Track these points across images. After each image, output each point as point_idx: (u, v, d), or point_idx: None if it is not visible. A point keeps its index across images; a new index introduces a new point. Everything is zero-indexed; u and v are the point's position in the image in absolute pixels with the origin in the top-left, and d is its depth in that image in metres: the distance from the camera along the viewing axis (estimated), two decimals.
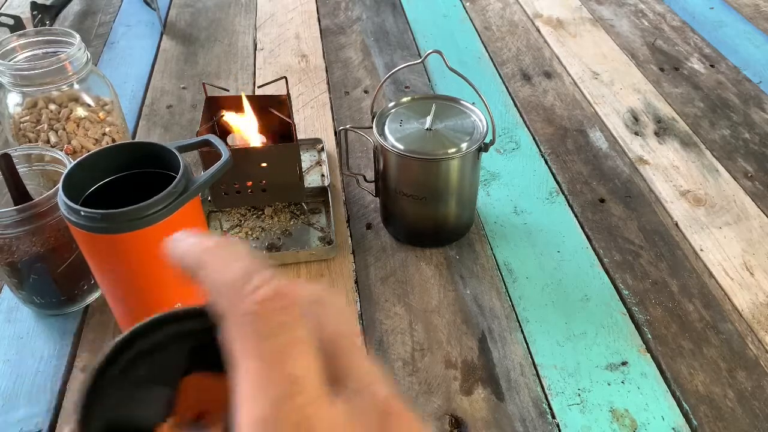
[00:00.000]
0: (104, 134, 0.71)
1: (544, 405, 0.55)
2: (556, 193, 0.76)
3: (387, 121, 0.65)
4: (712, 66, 1.01)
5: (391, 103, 0.67)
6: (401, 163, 0.63)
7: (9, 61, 0.66)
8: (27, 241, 0.55)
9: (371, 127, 0.64)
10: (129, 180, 0.47)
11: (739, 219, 0.73)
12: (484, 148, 0.63)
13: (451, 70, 0.61)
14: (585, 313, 0.62)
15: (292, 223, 0.71)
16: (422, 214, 0.66)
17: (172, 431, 0.21)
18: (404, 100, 0.67)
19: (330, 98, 0.95)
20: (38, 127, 0.68)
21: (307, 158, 0.81)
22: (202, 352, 0.23)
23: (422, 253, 0.68)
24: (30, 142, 0.68)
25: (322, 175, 0.78)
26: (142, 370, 0.23)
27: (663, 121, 0.89)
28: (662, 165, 0.81)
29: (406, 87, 0.96)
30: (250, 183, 0.67)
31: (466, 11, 1.18)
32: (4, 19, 1.00)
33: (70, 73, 0.65)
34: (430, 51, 0.61)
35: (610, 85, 0.97)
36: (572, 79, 0.98)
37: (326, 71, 1.01)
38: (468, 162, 0.63)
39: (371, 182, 0.70)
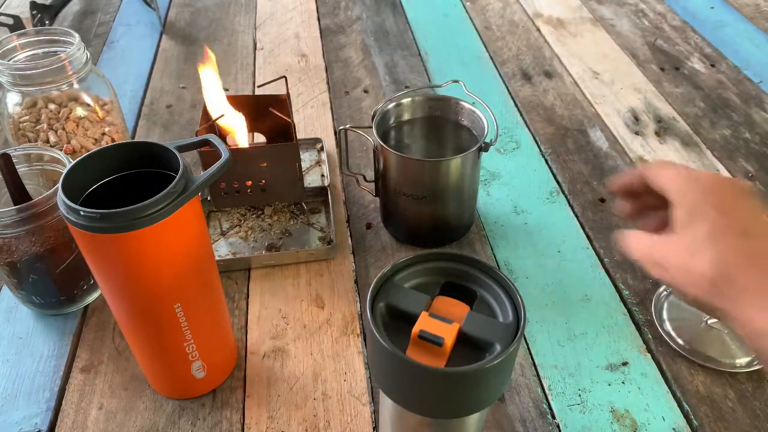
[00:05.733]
0: (104, 134, 0.70)
1: (544, 405, 0.54)
2: (556, 193, 0.76)
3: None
4: (712, 66, 1.01)
5: (392, 104, 0.67)
6: (401, 163, 0.63)
7: (8, 60, 0.66)
8: (26, 241, 0.55)
9: (371, 127, 0.64)
10: (128, 180, 0.47)
11: None
12: (484, 147, 0.63)
13: (469, 94, 0.62)
14: (585, 313, 0.62)
15: (291, 222, 0.71)
16: (422, 214, 0.66)
17: (427, 317, 0.35)
18: (404, 100, 0.67)
19: (330, 98, 0.94)
20: (38, 127, 0.68)
21: (307, 158, 0.81)
22: (451, 286, 0.38)
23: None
24: (29, 141, 0.68)
25: (322, 175, 0.78)
26: (411, 283, 0.38)
27: (663, 121, 0.89)
28: None
29: (407, 87, 0.96)
30: (249, 183, 0.66)
31: (466, 11, 1.18)
32: (3, 19, 1.00)
33: (70, 73, 0.65)
34: (450, 81, 0.60)
35: (611, 84, 0.96)
36: (573, 78, 0.98)
37: (326, 71, 1.01)
38: (468, 162, 0.63)
39: (371, 182, 0.70)
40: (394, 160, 0.63)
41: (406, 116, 0.69)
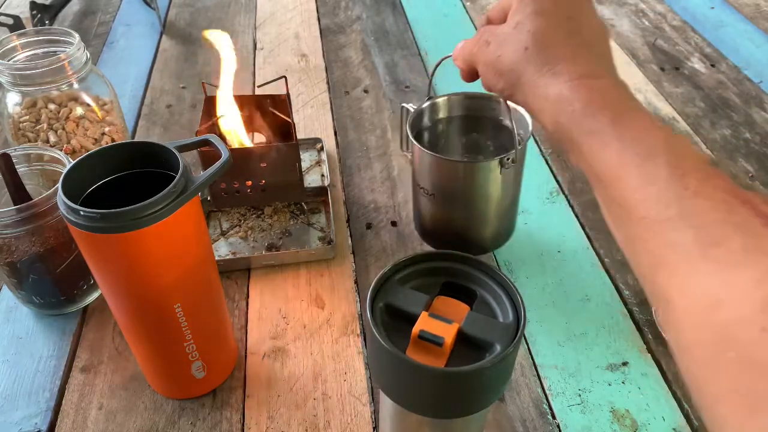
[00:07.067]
0: (103, 134, 0.70)
1: (544, 405, 0.54)
2: (556, 193, 0.76)
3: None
4: (712, 66, 1.01)
5: (427, 102, 0.65)
6: (432, 159, 0.60)
7: (8, 60, 0.66)
8: (26, 241, 0.55)
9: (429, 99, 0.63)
10: (128, 180, 0.47)
11: None
12: (503, 164, 0.58)
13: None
14: (586, 313, 0.62)
15: (292, 222, 0.71)
16: (435, 212, 0.64)
17: (427, 317, 0.35)
18: (439, 100, 0.65)
19: (330, 98, 0.94)
20: (37, 127, 0.68)
21: (307, 158, 0.81)
22: (450, 286, 0.38)
23: None
24: (29, 141, 0.68)
25: (322, 175, 0.78)
26: (411, 283, 0.38)
27: (664, 121, 0.88)
28: None
29: (406, 87, 0.96)
30: (249, 183, 0.66)
31: (466, 11, 1.18)
32: (3, 19, 1.00)
33: (70, 73, 0.65)
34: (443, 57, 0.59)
35: None
36: None
37: (326, 71, 1.01)
38: (485, 172, 0.60)
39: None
40: (418, 154, 0.61)
41: (441, 115, 0.67)
